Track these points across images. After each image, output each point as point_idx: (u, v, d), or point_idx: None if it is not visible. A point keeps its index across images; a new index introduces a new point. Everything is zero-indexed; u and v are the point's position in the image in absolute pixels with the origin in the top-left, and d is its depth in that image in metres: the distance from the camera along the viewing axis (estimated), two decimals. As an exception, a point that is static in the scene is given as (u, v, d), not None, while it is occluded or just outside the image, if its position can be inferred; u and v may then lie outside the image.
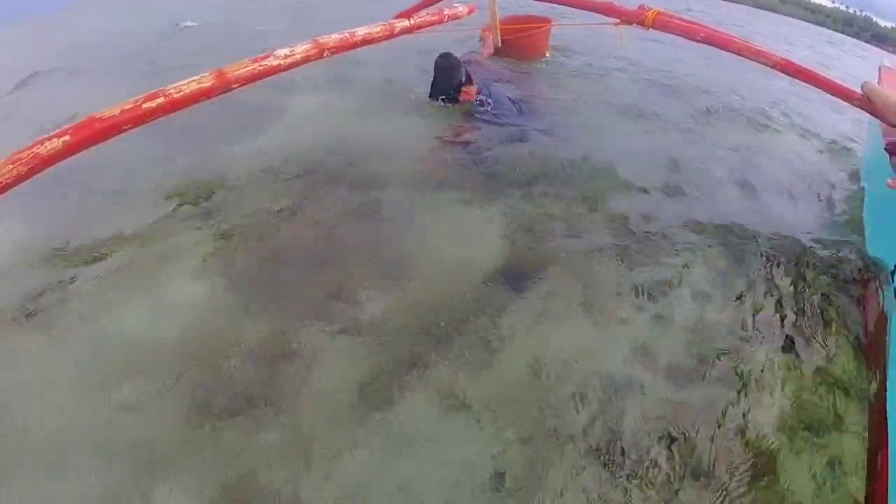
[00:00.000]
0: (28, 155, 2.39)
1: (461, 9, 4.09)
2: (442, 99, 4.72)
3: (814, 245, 3.03)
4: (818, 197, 3.69)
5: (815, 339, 2.36)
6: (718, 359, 2.25)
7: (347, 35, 3.16)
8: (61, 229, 3.12)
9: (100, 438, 1.95)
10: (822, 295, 2.61)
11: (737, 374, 2.19)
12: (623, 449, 1.91)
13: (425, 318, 2.39)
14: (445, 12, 3.92)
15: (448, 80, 4.67)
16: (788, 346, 2.33)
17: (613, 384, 2.11)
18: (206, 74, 2.80)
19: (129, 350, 2.31)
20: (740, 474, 1.86)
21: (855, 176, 4.04)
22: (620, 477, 1.83)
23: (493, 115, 4.56)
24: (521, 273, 2.67)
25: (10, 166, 2.35)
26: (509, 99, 4.81)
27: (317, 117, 4.54)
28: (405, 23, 3.48)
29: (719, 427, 2.00)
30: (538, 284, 2.62)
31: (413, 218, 3.17)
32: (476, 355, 2.23)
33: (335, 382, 2.12)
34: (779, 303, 2.55)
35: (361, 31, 3.24)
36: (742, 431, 2.00)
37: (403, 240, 2.93)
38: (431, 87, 4.77)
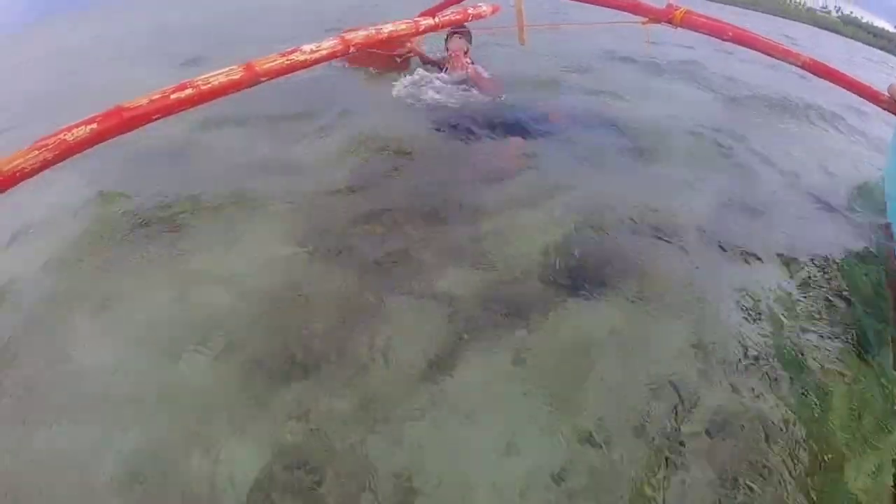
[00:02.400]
0: (54, 141, 2.29)
1: (485, 8, 4.07)
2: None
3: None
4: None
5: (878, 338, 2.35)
6: (776, 356, 2.22)
7: (373, 31, 3.11)
8: (140, 194, 3.23)
9: (173, 392, 1.98)
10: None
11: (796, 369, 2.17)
12: (682, 442, 1.88)
13: (492, 296, 2.38)
14: (469, 11, 3.90)
15: None
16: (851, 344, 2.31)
17: (672, 375, 2.07)
18: (236, 67, 2.73)
19: (202, 312, 2.33)
20: (804, 471, 1.83)
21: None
22: (679, 466, 1.78)
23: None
24: (583, 262, 2.63)
25: (36, 152, 2.24)
26: None
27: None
28: (430, 21, 3.44)
29: (783, 425, 1.96)
30: (601, 275, 2.60)
31: (484, 204, 3.19)
32: (539, 335, 2.21)
33: (403, 350, 2.13)
34: (830, 301, 2.55)
35: (387, 28, 3.19)
36: (803, 430, 1.96)
37: (474, 223, 2.89)
38: None
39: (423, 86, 4.84)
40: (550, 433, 1.83)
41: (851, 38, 22.82)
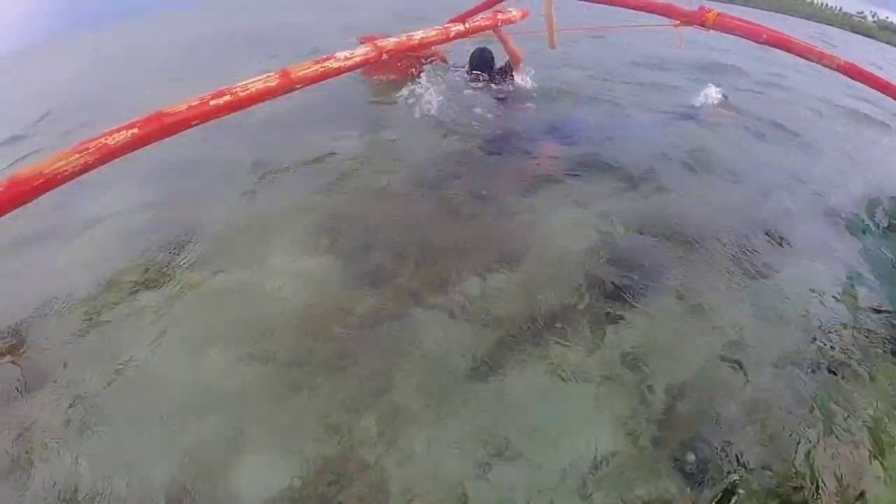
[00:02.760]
0: (96, 145, 2.37)
1: (515, 13, 4.11)
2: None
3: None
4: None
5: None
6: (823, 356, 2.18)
7: (405, 38, 3.17)
8: (177, 207, 3.30)
9: (211, 388, 2.02)
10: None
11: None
12: (721, 440, 1.84)
13: (527, 300, 2.38)
14: (499, 17, 3.94)
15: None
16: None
17: (712, 378, 2.04)
18: (273, 74, 2.79)
19: (242, 314, 2.39)
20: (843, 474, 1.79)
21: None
22: (716, 469, 1.76)
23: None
24: (621, 264, 2.63)
25: (77, 155, 2.32)
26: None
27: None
28: (460, 27, 3.49)
29: (823, 429, 1.91)
30: (639, 275, 2.58)
31: (519, 207, 3.19)
32: (577, 338, 2.20)
33: (437, 351, 2.14)
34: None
35: (418, 35, 3.25)
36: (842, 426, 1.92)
37: (509, 228, 2.91)
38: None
39: (442, 94, 4.82)
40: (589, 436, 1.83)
41: (887, 43, 22.28)
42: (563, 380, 2.01)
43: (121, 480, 1.72)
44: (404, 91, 4.61)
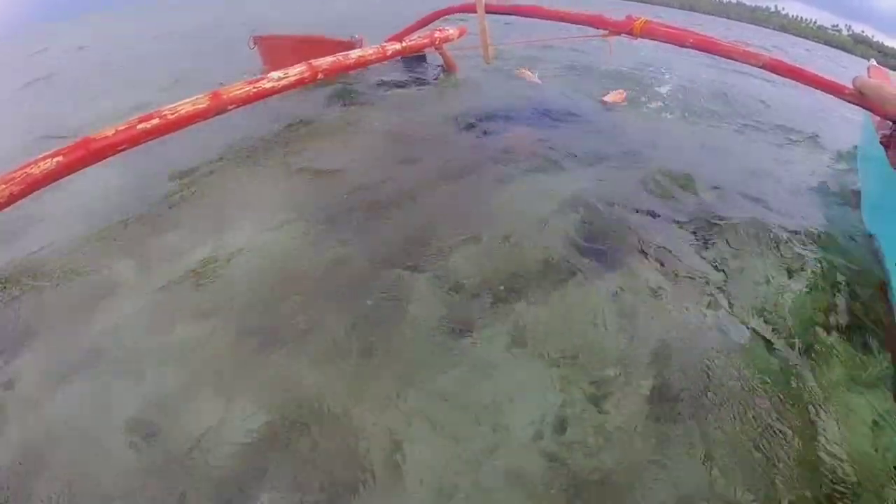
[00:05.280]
0: (21, 175, 2.36)
1: (452, 31, 4.18)
2: None
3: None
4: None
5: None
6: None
7: (341, 58, 3.21)
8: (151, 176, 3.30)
9: (179, 352, 2.01)
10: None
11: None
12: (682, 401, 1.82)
13: (502, 268, 2.38)
14: (436, 35, 4.00)
15: None
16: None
17: (680, 347, 2.01)
18: (202, 96, 2.82)
19: (213, 279, 2.37)
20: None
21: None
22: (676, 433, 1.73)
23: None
24: (591, 236, 2.63)
25: (3, 186, 2.33)
26: None
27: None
28: (396, 46, 3.54)
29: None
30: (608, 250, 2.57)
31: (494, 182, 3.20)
32: (546, 305, 2.19)
33: (418, 316, 2.13)
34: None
35: (354, 54, 3.29)
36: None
37: (486, 200, 2.96)
38: None
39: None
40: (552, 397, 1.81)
41: (861, 56, 22.75)
42: (531, 343, 2.02)
43: (90, 422, 1.76)
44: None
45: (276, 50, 4.71)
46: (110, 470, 1.62)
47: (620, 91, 5.23)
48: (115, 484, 1.58)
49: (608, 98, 4.97)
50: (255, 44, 4.85)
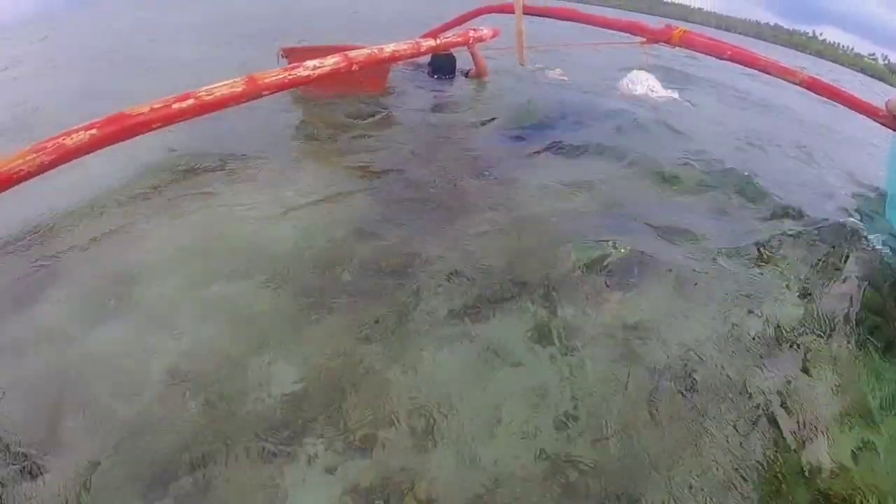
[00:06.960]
0: (53, 145, 2.38)
1: (486, 32, 4.18)
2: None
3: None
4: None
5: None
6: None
7: (376, 50, 3.22)
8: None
9: (219, 309, 2.08)
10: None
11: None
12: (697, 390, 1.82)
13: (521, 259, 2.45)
14: (471, 34, 4.02)
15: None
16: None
17: (692, 347, 1.98)
18: (238, 79, 2.84)
19: (252, 247, 2.47)
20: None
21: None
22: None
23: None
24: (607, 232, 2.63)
25: (33, 155, 2.33)
26: None
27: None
28: (431, 42, 3.55)
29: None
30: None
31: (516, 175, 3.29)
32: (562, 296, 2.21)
33: (437, 295, 2.19)
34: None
35: (389, 48, 3.30)
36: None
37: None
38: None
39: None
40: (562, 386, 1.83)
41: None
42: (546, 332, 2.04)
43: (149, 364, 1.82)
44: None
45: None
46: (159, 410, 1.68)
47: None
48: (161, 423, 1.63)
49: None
50: (284, 55, 4.86)
